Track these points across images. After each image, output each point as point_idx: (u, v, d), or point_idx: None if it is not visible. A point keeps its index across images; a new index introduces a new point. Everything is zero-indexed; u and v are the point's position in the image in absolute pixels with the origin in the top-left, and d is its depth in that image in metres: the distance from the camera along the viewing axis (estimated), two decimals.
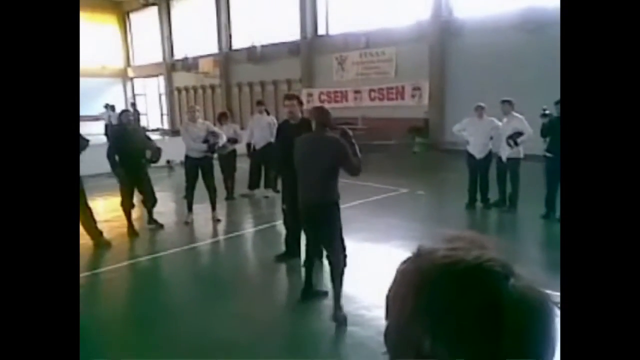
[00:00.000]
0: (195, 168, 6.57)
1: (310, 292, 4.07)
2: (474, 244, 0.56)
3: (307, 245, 4.01)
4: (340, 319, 3.64)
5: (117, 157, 6.04)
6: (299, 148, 3.67)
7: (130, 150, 6.05)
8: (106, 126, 16.74)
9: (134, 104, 19.59)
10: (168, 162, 11.03)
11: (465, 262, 0.52)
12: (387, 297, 0.60)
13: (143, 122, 22.76)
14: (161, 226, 6.63)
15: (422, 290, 0.53)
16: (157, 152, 6.31)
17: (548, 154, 6.31)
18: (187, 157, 6.62)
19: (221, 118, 8.32)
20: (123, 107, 17.25)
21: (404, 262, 0.59)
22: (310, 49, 16.92)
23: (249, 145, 8.16)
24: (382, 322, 2.47)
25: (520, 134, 6.53)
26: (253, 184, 8.29)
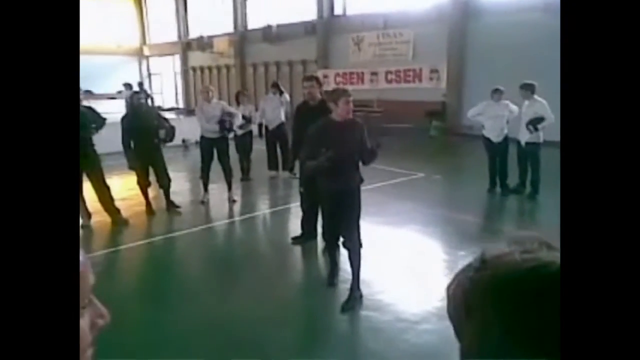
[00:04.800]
0: (211, 148, 6.56)
1: (337, 274, 4.09)
2: (542, 244, 0.51)
3: (329, 229, 3.96)
4: (357, 297, 3.70)
5: (131, 141, 6.01)
6: (327, 131, 3.59)
7: (143, 131, 6.01)
8: (127, 102, 16.82)
9: (141, 84, 19.51)
10: (183, 141, 11.05)
11: (545, 264, 0.47)
12: (455, 310, 0.54)
13: (158, 101, 22.80)
14: (177, 207, 6.66)
15: (507, 297, 0.47)
16: (171, 131, 6.26)
17: None
18: (202, 137, 6.61)
19: (239, 97, 8.27)
20: (135, 87, 17.34)
21: (469, 270, 0.53)
22: (327, 29, 16.66)
23: (260, 125, 8.11)
24: (401, 307, 2.47)
25: (541, 119, 6.37)
26: (272, 164, 8.27)
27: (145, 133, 6.04)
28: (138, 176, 6.25)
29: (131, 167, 6.16)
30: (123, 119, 6.17)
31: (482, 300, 0.49)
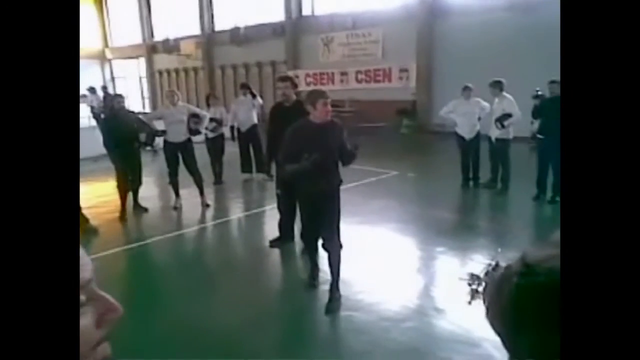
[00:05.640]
0: (175, 153, 6.39)
1: (317, 275, 4.04)
2: None
3: (308, 231, 3.89)
4: (337, 299, 3.65)
5: (113, 144, 6.01)
6: (306, 133, 3.52)
7: (124, 134, 6.00)
8: (92, 108, 16.20)
9: (105, 88, 18.89)
10: (152, 146, 10.77)
11: None
12: (502, 319, 0.49)
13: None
14: (145, 210, 6.51)
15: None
16: (152, 134, 6.24)
17: (539, 136, 6.31)
18: (165, 142, 6.40)
19: (209, 99, 8.13)
20: (99, 92, 16.80)
21: (510, 275, 0.48)
22: (296, 29, 16.60)
23: (232, 128, 8.02)
24: (383, 307, 2.43)
25: (508, 115, 6.51)
26: (246, 167, 8.15)
27: (126, 136, 6.01)
28: (118, 181, 6.19)
29: (117, 168, 6.19)
30: (104, 121, 6.17)
31: (541, 308, 0.45)
